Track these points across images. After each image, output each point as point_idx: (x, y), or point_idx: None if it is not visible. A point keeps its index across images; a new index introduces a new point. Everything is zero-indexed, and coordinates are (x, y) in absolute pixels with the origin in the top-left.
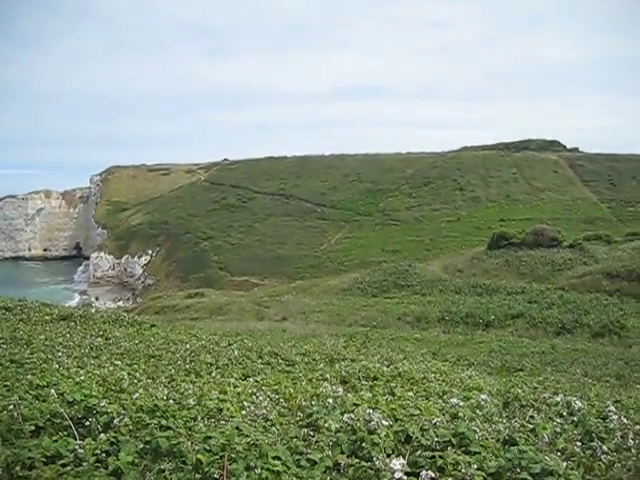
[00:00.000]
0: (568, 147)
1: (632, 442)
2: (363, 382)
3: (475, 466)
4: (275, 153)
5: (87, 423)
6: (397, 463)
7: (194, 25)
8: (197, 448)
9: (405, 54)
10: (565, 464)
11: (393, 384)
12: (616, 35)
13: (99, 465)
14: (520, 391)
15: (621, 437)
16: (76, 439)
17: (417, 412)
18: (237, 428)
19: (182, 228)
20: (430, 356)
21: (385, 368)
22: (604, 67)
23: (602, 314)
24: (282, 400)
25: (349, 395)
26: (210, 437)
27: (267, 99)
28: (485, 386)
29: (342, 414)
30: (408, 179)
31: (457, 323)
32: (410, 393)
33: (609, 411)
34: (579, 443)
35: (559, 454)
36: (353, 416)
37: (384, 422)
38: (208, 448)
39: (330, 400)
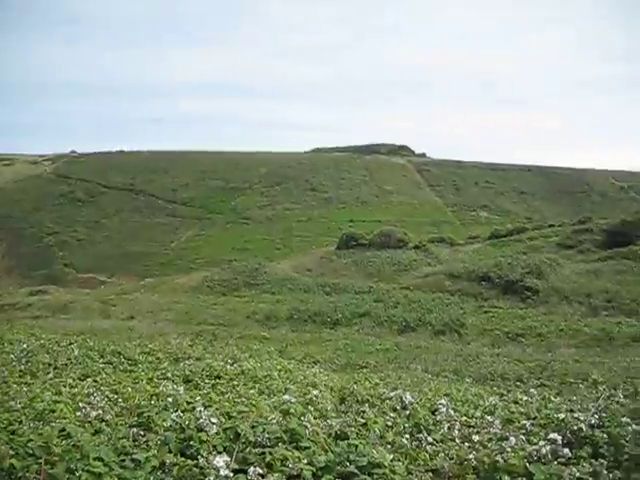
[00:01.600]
0: (416, 152)
1: (457, 432)
2: (207, 381)
3: (305, 461)
4: (128, 147)
5: None
6: (220, 460)
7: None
8: (14, 453)
9: (264, 53)
10: (392, 456)
11: (236, 382)
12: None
13: None
14: (357, 387)
15: (448, 428)
16: None
17: (248, 409)
18: (63, 430)
19: (25, 222)
20: (277, 354)
21: (229, 367)
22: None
23: (444, 313)
24: (120, 400)
25: (184, 394)
26: (31, 440)
27: (117, 91)
28: (321, 383)
29: (175, 413)
30: (261, 178)
31: (305, 321)
32: (252, 391)
33: (440, 404)
34: (408, 435)
35: (389, 446)
36: (182, 414)
37: (213, 420)
38: (30, 452)
39: (170, 399)
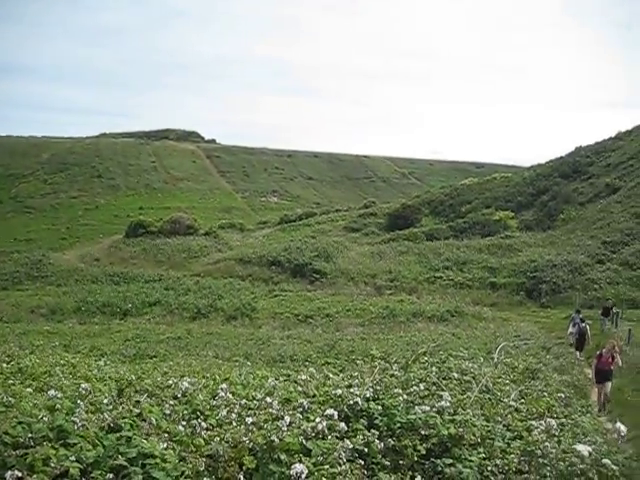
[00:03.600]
0: (206, 138)
1: (234, 416)
2: None
3: (73, 458)
4: None
5: None
6: None
7: None
8: None
9: (45, 33)
10: (165, 445)
11: (12, 381)
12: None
13: None
14: (136, 377)
15: (227, 412)
16: None
17: (6, 409)
18: None
19: None
20: (62, 349)
21: (5, 365)
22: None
23: (235, 298)
24: None
25: None
26: None
27: None
28: (103, 376)
29: None
30: (43, 164)
31: (94, 313)
32: (29, 389)
33: (221, 389)
34: (184, 422)
35: (165, 435)
36: None
37: None
38: None
39: None
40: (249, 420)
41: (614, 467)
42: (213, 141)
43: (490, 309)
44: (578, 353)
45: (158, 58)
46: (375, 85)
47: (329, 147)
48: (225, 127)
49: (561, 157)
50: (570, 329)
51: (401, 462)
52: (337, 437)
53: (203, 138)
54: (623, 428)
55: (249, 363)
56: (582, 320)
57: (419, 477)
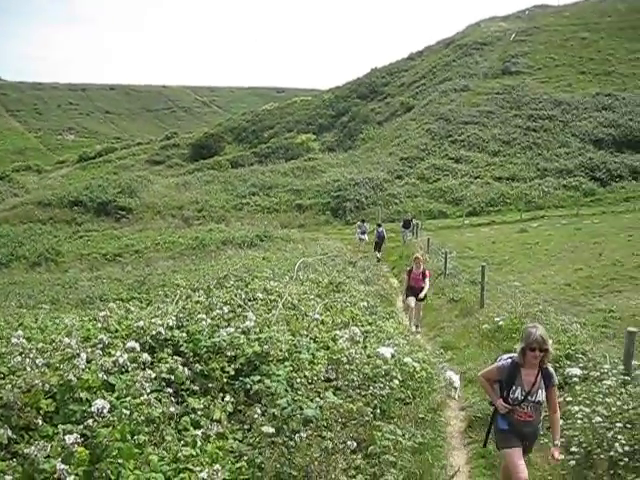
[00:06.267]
0: None
1: (29, 361)
2: None
3: None
4: None
5: None
6: None
7: None
8: None
9: None
10: None
11: None
12: None
13: None
14: None
15: (21, 358)
16: None
17: None
18: None
19: None
20: None
21: None
22: None
23: (37, 244)
24: None
25: None
26: None
27: None
28: None
29: None
30: None
31: None
32: None
33: (14, 335)
34: None
35: None
36: None
37: None
38: None
39: None
40: (39, 362)
41: (415, 364)
42: None
43: (298, 230)
44: (377, 253)
45: None
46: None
47: (125, 79)
48: (7, 62)
49: (358, 79)
50: (359, 235)
51: (211, 385)
52: (142, 369)
53: None
54: (455, 378)
55: (46, 307)
56: (379, 225)
57: (228, 397)
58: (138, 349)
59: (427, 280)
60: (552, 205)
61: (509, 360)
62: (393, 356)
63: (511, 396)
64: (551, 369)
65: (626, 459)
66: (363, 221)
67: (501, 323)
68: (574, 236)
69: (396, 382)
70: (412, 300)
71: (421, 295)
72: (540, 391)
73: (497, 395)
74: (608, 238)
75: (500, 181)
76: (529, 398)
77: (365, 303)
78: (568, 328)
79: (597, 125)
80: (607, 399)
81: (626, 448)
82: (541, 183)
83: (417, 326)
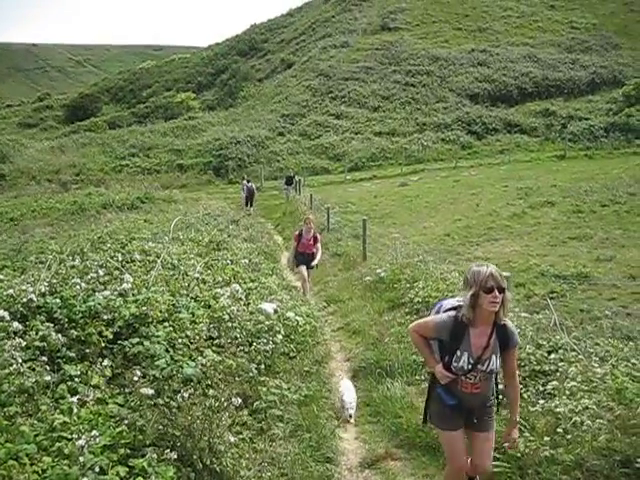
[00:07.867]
0: None
1: None
2: None
3: None
4: None
5: None
6: None
7: None
8: None
9: None
10: None
11: None
12: None
13: None
14: None
15: None
16: None
17: None
18: None
19: None
20: None
21: None
22: None
23: None
24: None
25: None
26: None
27: None
28: None
29: None
30: None
31: None
32: None
33: None
34: None
35: None
36: None
37: None
38: None
39: None
40: None
41: (298, 318)
42: None
43: (180, 191)
44: (251, 209)
45: None
46: None
47: None
48: None
49: (237, 35)
50: (243, 194)
51: (88, 351)
52: (12, 338)
53: None
54: (349, 397)
55: None
56: (248, 181)
57: (107, 361)
58: (8, 318)
59: (319, 245)
60: (431, 159)
61: (452, 316)
62: (276, 311)
63: (454, 364)
64: (511, 326)
65: None
66: (248, 181)
67: (383, 274)
68: (453, 188)
69: (280, 337)
70: (304, 269)
71: (313, 263)
72: (494, 357)
73: (436, 357)
74: (485, 189)
75: (380, 136)
76: (478, 367)
77: (247, 260)
78: (447, 277)
79: (473, 80)
80: None
81: None
82: (420, 137)
83: (306, 293)
